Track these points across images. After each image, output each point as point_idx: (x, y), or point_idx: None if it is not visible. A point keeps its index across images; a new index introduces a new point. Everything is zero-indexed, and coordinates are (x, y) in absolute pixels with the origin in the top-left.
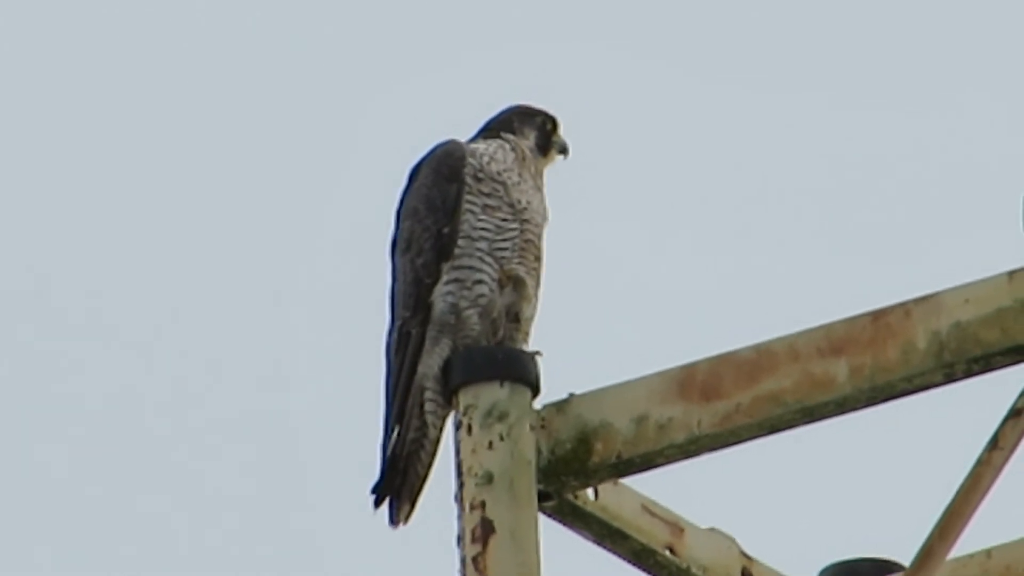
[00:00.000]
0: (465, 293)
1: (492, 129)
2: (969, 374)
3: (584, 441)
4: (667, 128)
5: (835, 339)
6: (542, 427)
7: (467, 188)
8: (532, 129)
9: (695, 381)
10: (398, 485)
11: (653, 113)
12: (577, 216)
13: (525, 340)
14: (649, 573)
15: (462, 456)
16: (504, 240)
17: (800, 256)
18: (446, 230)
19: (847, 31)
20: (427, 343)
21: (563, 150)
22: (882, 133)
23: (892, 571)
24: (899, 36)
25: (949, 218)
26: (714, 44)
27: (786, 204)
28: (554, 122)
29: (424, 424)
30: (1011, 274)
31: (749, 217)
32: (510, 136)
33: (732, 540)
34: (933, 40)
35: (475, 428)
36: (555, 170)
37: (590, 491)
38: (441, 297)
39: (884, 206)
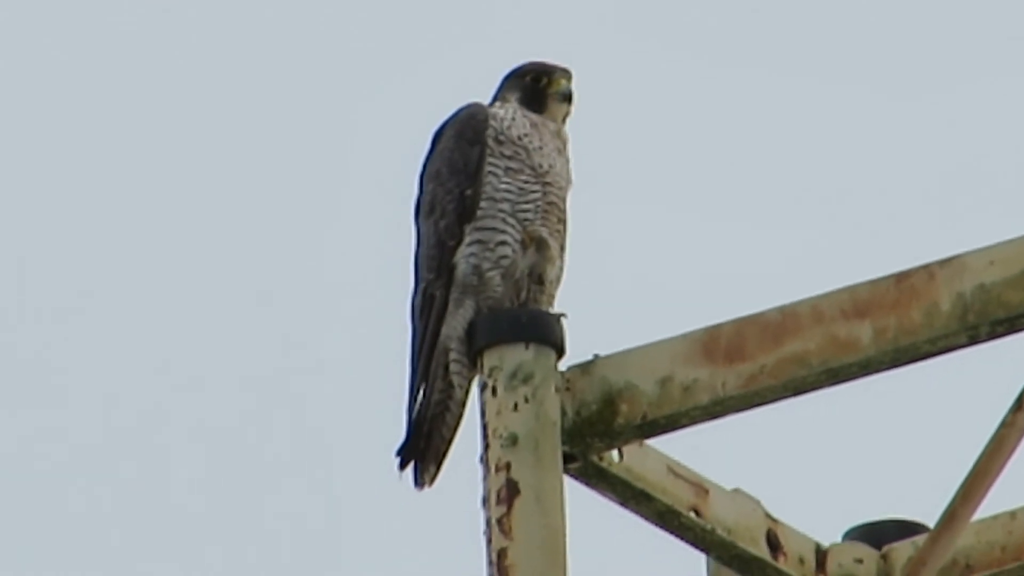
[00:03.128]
0: (488, 254)
1: (496, 101)
2: (993, 336)
3: (609, 403)
4: (691, 102)
5: (859, 301)
6: (567, 389)
7: (489, 151)
8: (519, 91)
9: (720, 343)
10: (423, 447)
11: (678, 89)
12: (604, 182)
13: (549, 303)
14: (674, 534)
15: (487, 418)
16: (526, 202)
17: (825, 224)
18: (469, 192)
19: (864, 11)
20: (451, 305)
21: (564, 98)
22: (905, 100)
23: (917, 532)
24: (920, 15)
25: (974, 181)
26: (729, 27)
27: (811, 174)
28: (548, 76)
29: (449, 386)
30: None
31: (775, 186)
32: (510, 106)
33: (757, 502)
34: (953, 19)
35: (500, 390)
36: (583, 138)
37: (615, 453)
38: (464, 259)
39: (908, 173)
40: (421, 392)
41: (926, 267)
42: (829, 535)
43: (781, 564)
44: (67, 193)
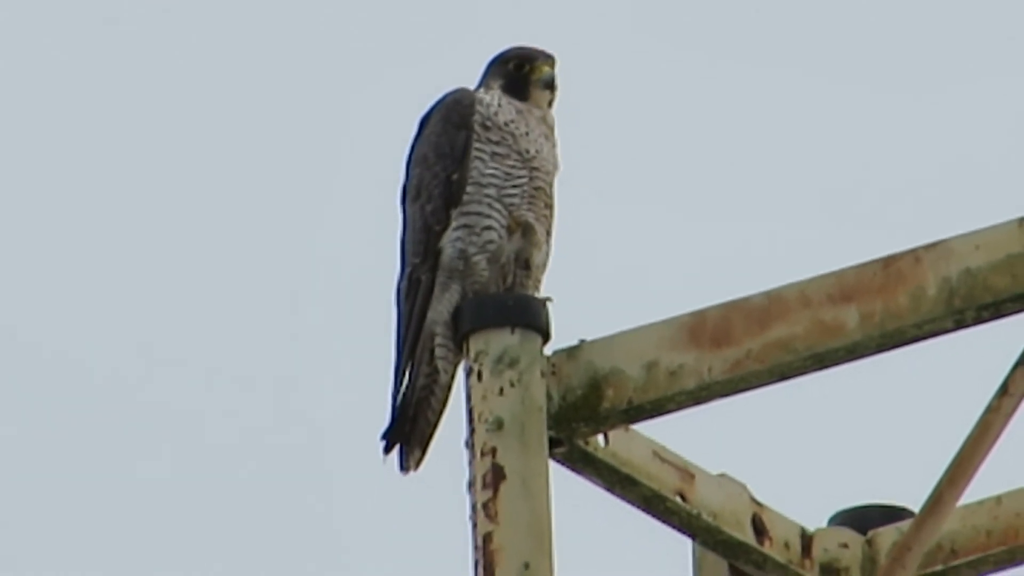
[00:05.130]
0: (474, 239)
1: (481, 87)
2: (979, 320)
3: (595, 387)
4: (680, 90)
5: (845, 285)
6: (553, 373)
7: (475, 136)
8: (502, 79)
9: (706, 327)
10: (408, 432)
11: (667, 78)
12: (591, 166)
13: (536, 287)
14: (659, 519)
15: (472, 402)
16: (513, 187)
17: (812, 209)
18: (455, 176)
19: (853, 8)
20: (436, 289)
21: (546, 86)
22: (891, 91)
23: (902, 517)
24: (912, 13)
25: (960, 166)
26: (713, 18)
27: (796, 166)
28: (531, 62)
29: (434, 370)
30: (1021, 220)
31: (761, 172)
32: (495, 92)
33: (743, 486)
34: (935, 17)
35: (486, 374)
36: (571, 123)
37: (601, 437)
38: (450, 243)
39: (895, 159)
40: (406, 376)
41: (912, 251)
42: (815, 520)
43: (766, 549)
44: (53, 190)
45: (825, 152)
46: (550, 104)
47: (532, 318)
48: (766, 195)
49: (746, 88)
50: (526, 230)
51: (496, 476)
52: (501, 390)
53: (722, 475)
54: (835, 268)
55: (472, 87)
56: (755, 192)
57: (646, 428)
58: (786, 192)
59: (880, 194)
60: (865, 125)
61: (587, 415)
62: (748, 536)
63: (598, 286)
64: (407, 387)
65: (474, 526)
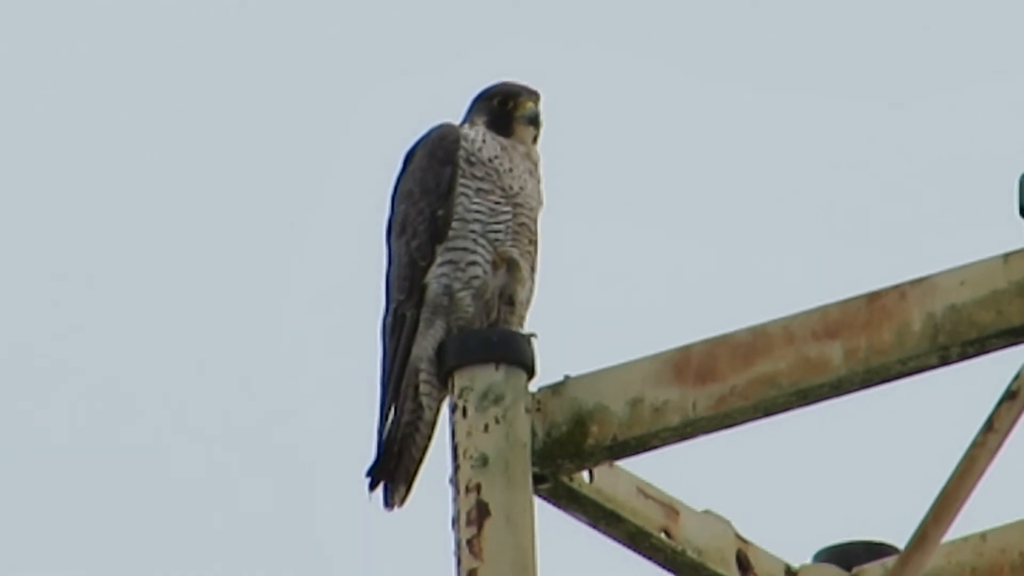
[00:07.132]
0: (459, 275)
1: (466, 123)
2: (964, 356)
3: (579, 423)
4: (662, 121)
5: (830, 321)
6: (537, 409)
7: (461, 171)
8: (486, 115)
9: (690, 363)
10: (393, 468)
11: (648, 107)
12: (574, 202)
13: (520, 324)
14: (644, 556)
15: (457, 439)
16: (497, 223)
17: (796, 244)
18: (440, 212)
19: (835, 24)
20: (421, 325)
21: (530, 122)
22: (875, 121)
23: (887, 554)
24: (889, 27)
25: (944, 202)
26: (697, 41)
27: (781, 194)
28: (515, 99)
29: (419, 407)
30: (1006, 256)
31: (745, 206)
32: (479, 128)
33: (727, 523)
34: (922, 31)
35: (470, 410)
36: (554, 158)
37: (585, 474)
38: (435, 279)
39: (879, 193)
40: (391, 412)
41: (897, 287)
42: (799, 556)
43: None
44: (46, 191)
45: (806, 175)
46: (534, 140)
47: (517, 354)
48: (753, 226)
49: (722, 112)
50: (511, 266)
51: (481, 512)
52: (486, 426)
53: (707, 512)
54: (821, 300)
55: (453, 115)
56: (742, 224)
57: (631, 464)
58: (773, 222)
59: (860, 216)
60: (845, 147)
61: (572, 451)
62: (733, 573)
63: (583, 322)
64: (392, 423)
65: (459, 563)
